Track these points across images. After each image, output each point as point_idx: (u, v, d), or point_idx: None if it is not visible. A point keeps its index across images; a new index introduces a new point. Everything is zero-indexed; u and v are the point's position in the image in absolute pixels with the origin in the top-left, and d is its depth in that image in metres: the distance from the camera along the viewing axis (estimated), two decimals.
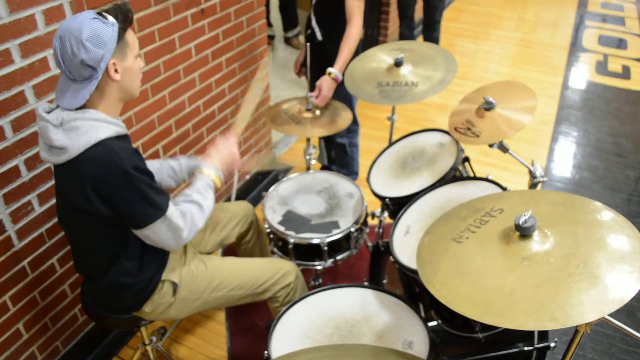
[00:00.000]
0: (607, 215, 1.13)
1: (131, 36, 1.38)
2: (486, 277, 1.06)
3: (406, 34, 4.42)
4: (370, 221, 2.25)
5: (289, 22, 4.96)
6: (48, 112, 1.36)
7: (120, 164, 1.32)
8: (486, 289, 1.03)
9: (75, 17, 1.29)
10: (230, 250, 2.57)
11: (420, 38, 4.95)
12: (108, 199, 1.35)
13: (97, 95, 1.36)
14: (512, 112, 1.78)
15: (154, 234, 1.43)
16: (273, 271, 1.76)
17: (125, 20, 1.34)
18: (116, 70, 1.35)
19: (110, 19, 1.31)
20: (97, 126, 1.33)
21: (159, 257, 1.58)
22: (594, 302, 0.94)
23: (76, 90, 1.32)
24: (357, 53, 2.39)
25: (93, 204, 1.35)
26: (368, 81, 2.10)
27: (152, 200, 1.39)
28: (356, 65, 2.21)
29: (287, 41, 5.07)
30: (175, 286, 1.61)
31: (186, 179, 1.79)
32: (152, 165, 1.75)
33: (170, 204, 1.44)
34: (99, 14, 1.30)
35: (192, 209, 1.50)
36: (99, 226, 1.43)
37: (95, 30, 1.27)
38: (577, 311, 0.93)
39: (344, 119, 2.22)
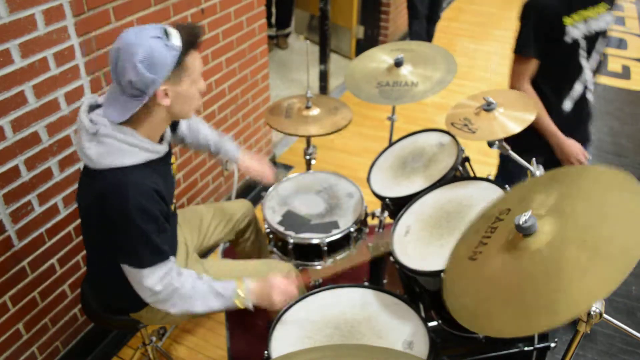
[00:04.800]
0: (598, 171, 1.13)
1: (192, 60, 1.30)
2: (498, 289, 1.06)
3: (420, 32, 4.42)
4: (370, 221, 2.25)
5: (283, 20, 4.95)
6: (90, 109, 1.34)
7: (124, 202, 1.26)
8: (500, 303, 1.04)
9: (139, 30, 1.23)
10: (231, 250, 2.57)
11: None
12: (102, 221, 1.33)
13: (143, 114, 1.31)
14: (509, 119, 1.78)
15: (127, 275, 1.39)
16: (270, 272, 1.76)
17: (189, 44, 1.27)
18: (167, 95, 1.29)
19: (174, 40, 1.24)
20: (126, 151, 1.29)
21: None
22: (598, 281, 0.93)
23: (123, 104, 1.27)
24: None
25: (90, 214, 1.38)
26: (368, 81, 2.10)
27: (136, 254, 1.33)
28: (356, 65, 2.21)
29: (275, 39, 5.03)
30: None
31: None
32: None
33: (159, 267, 1.36)
34: (166, 31, 1.24)
35: (184, 293, 1.41)
36: (99, 232, 1.43)
37: (151, 52, 1.20)
38: (582, 297, 0.93)
39: (343, 117, 2.22)
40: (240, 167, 1.94)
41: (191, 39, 1.28)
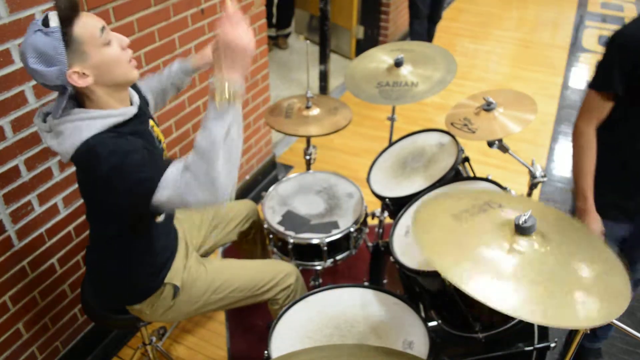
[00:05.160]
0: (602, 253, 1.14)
1: (81, 28, 1.18)
2: (481, 258, 1.08)
3: (421, 32, 4.42)
4: (370, 221, 2.25)
5: (284, 20, 4.95)
6: (45, 116, 1.34)
7: (99, 167, 1.21)
8: (478, 266, 1.06)
9: (25, 36, 1.19)
10: (231, 249, 2.57)
11: None
12: (109, 195, 1.29)
13: (84, 98, 1.28)
14: (509, 119, 1.79)
15: (165, 206, 1.26)
16: (273, 273, 1.76)
17: (67, 17, 1.16)
18: (83, 75, 1.21)
19: (53, 22, 1.16)
20: (80, 126, 1.24)
21: (164, 259, 1.58)
22: (584, 309, 0.97)
23: (58, 102, 1.26)
24: None
25: (94, 194, 1.37)
26: (368, 81, 2.11)
27: (139, 179, 1.22)
28: (356, 65, 2.21)
29: (274, 39, 5.03)
30: (176, 289, 1.61)
31: (188, 81, 1.73)
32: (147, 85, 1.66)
33: (169, 170, 1.24)
34: (44, 19, 1.17)
35: (198, 157, 1.22)
36: (107, 220, 1.44)
37: (38, 48, 1.16)
38: (568, 315, 0.96)
39: (343, 117, 2.22)
40: (201, 65, 1.71)
41: (67, 10, 1.17)
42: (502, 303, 0.97)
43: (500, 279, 1.02)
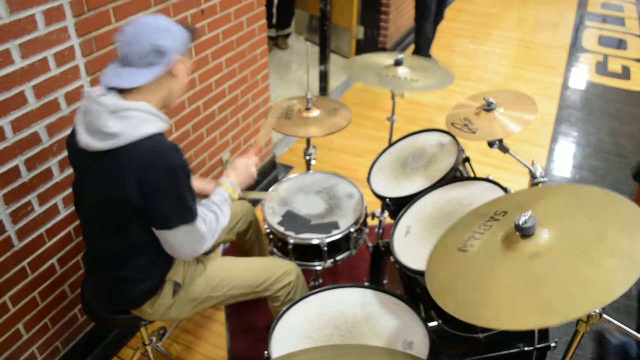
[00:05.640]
0: (607, 199, 1.13)
1: (190, 51, 1.50)
2: (491, 283, 1.07)
3: (430, 35, 4.39)
4: (370, 221, 2.25)
5: (284, 20, 4.95)
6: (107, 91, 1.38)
7: (169, 159, 1.36)
8: (491, 295, 1.04)
9: (148, 16, 1.39)
10: (230, 250, 2.57)
11: None
12: (147, 192, 1.36)
13: (154, 87, 1.40)
14: (509, 119, 1.79)
15: (176, 238, 1.44)
16: (272, 270, 1.77)
17: (192, 35, 1.48)
18: (179, 67, 1.42)
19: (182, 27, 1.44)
20: (149, 120, 1.36)
21: (168, 257, 1.58)
22: (596, 292, 0.94)
23: (135, 74, 1.36)
24: None
25: (130, 193, 1.35)
26: (367, 69, 2.13)
27: (187, 204, 1.41)
28: (355, 61, 2.22)
29: (274, 40, 5.03)
30: (176, 287, 1.61)
31: None
32: None
33: (199, 216, 1.47)
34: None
35: (212, 222, 1.53)
36: (125, 218, 1.42)
37: (171, 28, 1.39)
38: (579, 303, 0.94)
39: (343, 118, 2.22)
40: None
41: (192, 34, 1.47)
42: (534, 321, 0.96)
43: (521, 294, 1.01)
